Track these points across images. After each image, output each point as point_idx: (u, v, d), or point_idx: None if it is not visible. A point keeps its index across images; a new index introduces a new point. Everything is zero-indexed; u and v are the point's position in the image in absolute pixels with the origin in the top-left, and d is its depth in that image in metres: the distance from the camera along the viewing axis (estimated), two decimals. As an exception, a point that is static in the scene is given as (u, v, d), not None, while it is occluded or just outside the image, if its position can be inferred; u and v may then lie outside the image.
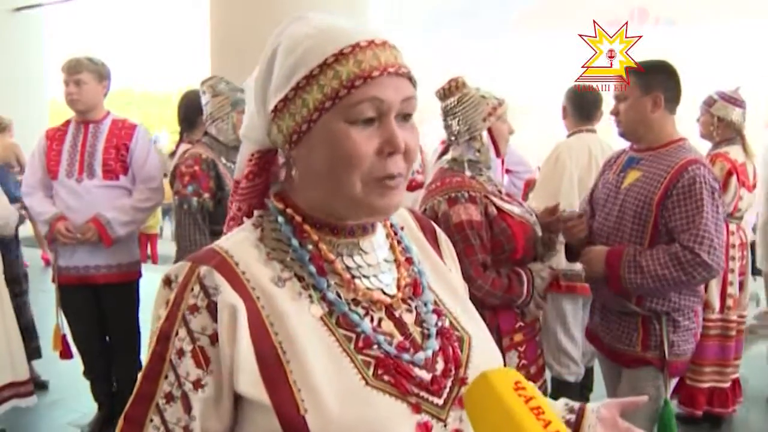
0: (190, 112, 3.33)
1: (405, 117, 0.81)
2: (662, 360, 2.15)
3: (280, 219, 0.85)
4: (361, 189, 0.79)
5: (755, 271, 4.08)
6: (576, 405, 1.00)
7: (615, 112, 2.26)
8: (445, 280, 0.96)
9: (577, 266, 2.75)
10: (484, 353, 0.89)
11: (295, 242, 0.83)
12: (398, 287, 0.86)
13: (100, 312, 3.29)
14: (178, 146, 3.35)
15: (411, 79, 0.81)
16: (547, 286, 2.19)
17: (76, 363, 3.73)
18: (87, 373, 3.45)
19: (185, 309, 0.78)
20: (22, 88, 8.96)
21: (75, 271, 3.22)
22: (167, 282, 0.82)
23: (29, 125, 7.25)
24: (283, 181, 0.89)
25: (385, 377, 0.79)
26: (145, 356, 0.83)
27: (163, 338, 0.79)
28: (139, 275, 3.38)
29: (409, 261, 0.91)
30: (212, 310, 0.77)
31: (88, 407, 3.47)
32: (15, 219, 3.39)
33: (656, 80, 2.17)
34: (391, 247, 0.90)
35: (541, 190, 3.27)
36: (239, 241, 0.84)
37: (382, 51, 0.79)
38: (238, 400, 0.79)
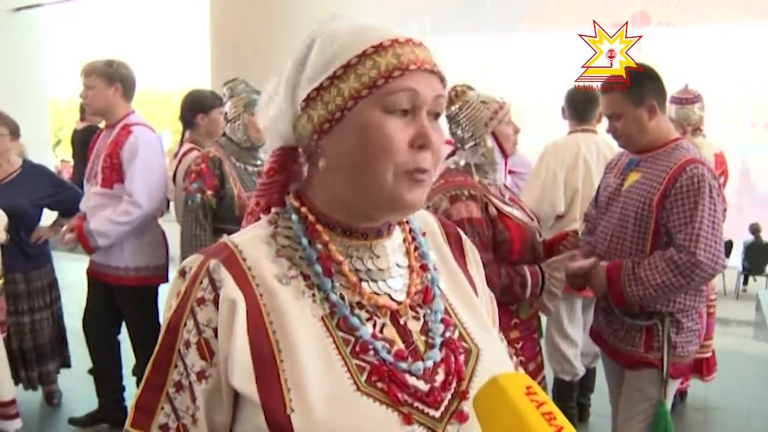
0: (187, 111, 3.34)
1: (435, 116, 0.82)
2: (662, 361, 2.14)
3: (294, 217, 0.84)
4: (392, 180, 0.78)
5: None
6: None
7: (611, 131, 2.23)
8: (463, 291, 0.93)
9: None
10: (492, 368, 0.83)
11: (304, 241, 0.82)
12: (407, 294, 0.85)
13: (115, 311, 3.26)
14: (181, 145, 3.36)
15: (443, 80, 0.82)
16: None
17: (77, 363, 3.73)
18: (92, 370, 3.44)
19: (193, 301, 0.79)
20: (22, 88, 8.91)
21: (93, 266, 3.25)
22: (182, 273, 0.83)
23: (29, 125, 7.22)
24: (304, 180, 0.88)
25: (378, 384, 0.77)
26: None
27: (173, 329, 0.80)
28: (163, 280, 3.26)
29: (424, 268, 0.88)
30: (217, 303, 0.78)
31: (88, 407, 3.45)
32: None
33: (645, 89, 2.14)
34: (407, 252, 0.88)
35: (527, 190, 3.28)
36: (251, 237, 0.84)
37: (420, 49, 0.80)
38: (236, 394, 0.79)
